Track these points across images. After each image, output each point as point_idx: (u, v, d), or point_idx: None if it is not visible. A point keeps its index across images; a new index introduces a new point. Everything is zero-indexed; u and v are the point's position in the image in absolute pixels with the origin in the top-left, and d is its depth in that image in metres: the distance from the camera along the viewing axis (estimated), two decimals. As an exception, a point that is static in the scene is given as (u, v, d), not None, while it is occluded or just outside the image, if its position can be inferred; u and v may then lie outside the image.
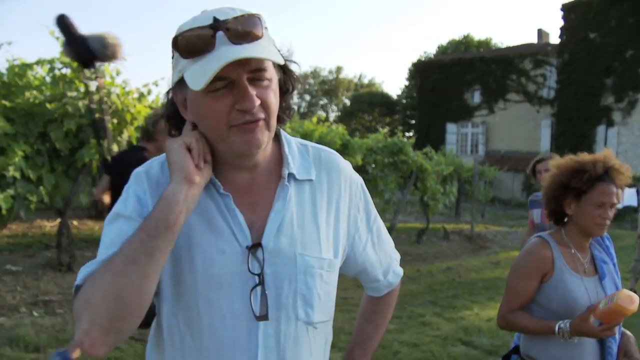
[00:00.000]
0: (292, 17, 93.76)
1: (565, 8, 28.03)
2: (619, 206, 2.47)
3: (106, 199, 4.65)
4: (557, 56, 28.98)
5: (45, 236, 9.10)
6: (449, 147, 27.23)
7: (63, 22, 4.75)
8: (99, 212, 6.11)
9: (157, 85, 7.27)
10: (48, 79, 6.25)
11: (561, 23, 28.29)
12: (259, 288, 1.14)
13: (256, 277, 1.14)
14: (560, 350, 2.12)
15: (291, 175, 1.21)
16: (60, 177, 6.31)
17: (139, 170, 1.20)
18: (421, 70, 36.98)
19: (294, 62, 1.19)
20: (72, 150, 6.26)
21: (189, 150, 1.09)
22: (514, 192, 26.29)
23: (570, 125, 27.12)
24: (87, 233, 9.66)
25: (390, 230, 11.56)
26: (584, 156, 2.22)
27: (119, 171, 4.25)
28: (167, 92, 1.18)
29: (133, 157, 4.27)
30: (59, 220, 6.95)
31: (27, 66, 6.04)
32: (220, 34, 1.04)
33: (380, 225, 1.42)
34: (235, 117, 1.07)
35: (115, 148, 6.48)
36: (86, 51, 4.79)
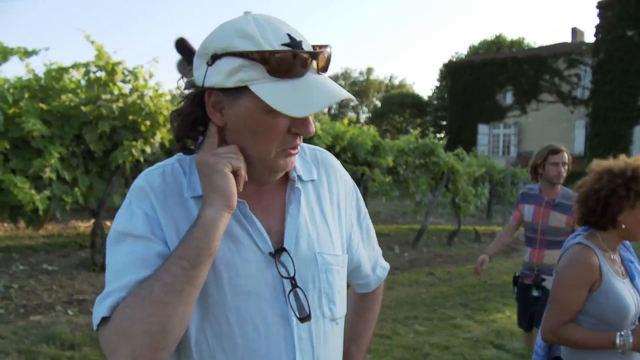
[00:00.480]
0: (323, 17, 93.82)
1: (601, 5, 27.50)
2: None
3: None
4: (592, 55, 28.45)
5: (79, 236, 9.29)
6: (481, 148, 26.97)
7: (183, 45, 4.73)
8: None
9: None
10: (83, 82, 6.37)
11: (597, 21, 27.77)
12: (291, 292, 1.14)
13: (288, 281, 1.13)
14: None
15: (299, 177, 1.21)
16: (95, 179, 6.43)
17: (140, 185, 1.13)
18: (452, 71, 36.69)
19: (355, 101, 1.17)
20: (105, 152, 6.38)
21: (234, 174, 1.06)
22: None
23: (606, 126, 26.57)
24: (121, 233, 9.82)
25: (421, 232, 11.51)
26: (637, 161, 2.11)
27: None
28: (200, 93, 1.09)
29: None
30: (93, 220, 7.08)
31: (63, 70, 6.17)
32: (313, 63, 1.06)
33: (369, 221, 1.43)
34: (287, 140, 1.08)
35: (148, 150, 6.59)
36: None
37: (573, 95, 30.50)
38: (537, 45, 42.49)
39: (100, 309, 1.01)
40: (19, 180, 5.38)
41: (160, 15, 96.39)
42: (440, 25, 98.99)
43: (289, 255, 1.14)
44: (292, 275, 1.13)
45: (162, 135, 6.79)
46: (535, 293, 3.94)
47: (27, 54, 5.87)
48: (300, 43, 1.04)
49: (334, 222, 1.27)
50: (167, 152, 8.77)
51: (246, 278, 1.11)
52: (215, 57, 1.04)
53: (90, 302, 5.76)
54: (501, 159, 25.93)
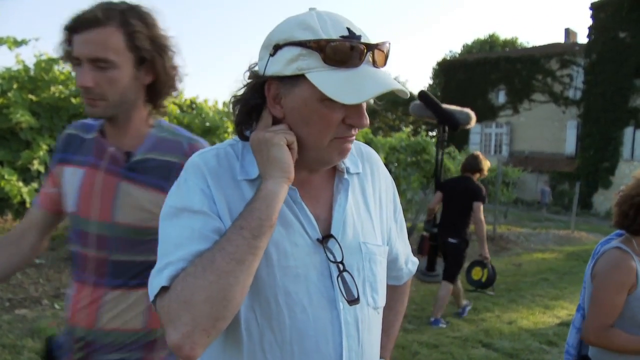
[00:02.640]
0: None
1: (594, 7, 27.56)
2: None
3: (436, 209, 6.56)
4: (584, 56, 28.53)
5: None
6: (473, 147, 27.06)
7: (427, 98, 7.20)
8: (429, 221, 6.80)
9: (180, 81, 7.32)
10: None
11: (590, 22, 27.84)
12: (339, 276, 1.18)
13: (335, 267, 1.17)
14: None
15: (347, 169, 1.26)
16: (84, 172, 6.36)
17: (196, 162, 1.16)
18: (445, 70, 36.72)
19: (407, 97, 1.21)
20: (95, 144, 6.31)
21: (289, 147, 1.11)
22: (537, 194, 26.01)
23: (597, 127, 26.67)
24: (110, 227, 9.77)
25: (412, 229, 11.49)
26: None
27: (448, 191, 6.24)
28: (258, 80, 1.15)
29: (461, 183, 6.18)
30: (82, 214, 7.01)
31: (53, 61, 6.10)
32: (369, 54, 1.09)
33: (402, 217, 1.49)
34: (341, 129, 1.12)
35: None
36: (455, 121, 7.16)
37: (565, 96, 30.59)
38: (530, 45, 42.61)
39: (158, 279, 1.03)
40: (7, 172, 5.31)
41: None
42: (433, 23, 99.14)
43: (337, 241, 1.19)
44: (340, 259, 1.18)
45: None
46: None
47: (16, 43, 5.79)
48: (359, 37, 1.08)
49: (376, 215, 1.33)
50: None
51: (295, 260, 1.15)
52: (277, 47, 1.09)
53: (77, 296, 5.72)
54: (493, 158, 25.96)
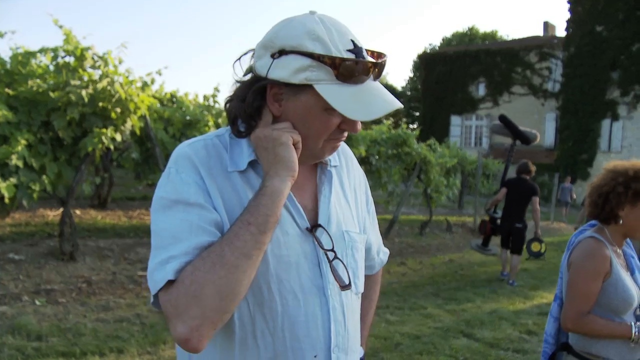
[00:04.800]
0: (292, 6, 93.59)
1: (572, 0, 27.84)
2: None
3: (499, 201, 8.66)
4: (563, 49, 28.83)
5: (48, 225, 9.12)
6: (453, 139, 27.17)
7: (506, 120, 9.61)
8: (490, 209, 9.19)
9: (160, 74, 7.27)
10: (51, 68, 6.23)
11: (568, 16, 28.12)
12: (332, 263, 1.22)
13: (323, 254, 1.22)
14: (624, 348, 2.18)
15: (329, 162, 1.33)
16: (63, 166, 6.30)
17: (186, 154, 1.17)
18: (426, 62, 36.84)
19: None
20: (75, 139, 6.25)
21: (294, 146, 1.16)
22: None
23: (575, 119, 27.00)
24: (90, 222, 9.68)
25: (393, 222, 11.56)
26: None
27: (511, 189, 8.27)
28: (260, 85, 1.16)
29: (521, 183, 8.24)
30: (61, 209, 6.95)
31: (30, 54, 6.03)
32: (374, 71, 1.16)
33: (374, 208, 1.55)
34: (335, 133, 1.19)
35: (118, 137, 6.48)
36: (526, 137, 9.58)
37: (544, 88, 30.89)
38: (509, 38, 42.92)
39: (162, 273, 1.03)
40: (-16, 167, 5.25)
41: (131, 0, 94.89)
42: (413, 16, 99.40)
43: (326, 230, 1.24)
44: (331, 247, 1.22)
45: (133, 122, 6.68)
46: None
47: (-9, 36, 5.72)
48: (362, 50, 1.15)
49: (353, 205, 1.40)
50: (138, 140, 8.66)
51: (288, 249, 1.19)
52: (282, 52, 1.12)
53: (58, 291, 5.67)
54: (473, 150, 26.13)
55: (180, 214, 1.09)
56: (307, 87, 1.11)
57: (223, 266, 1.01)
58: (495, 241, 9.66)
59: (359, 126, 1.19)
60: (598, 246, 2.22)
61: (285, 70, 1.11)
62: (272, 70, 1.13)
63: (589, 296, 2.19)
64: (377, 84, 1.17)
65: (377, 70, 1.16)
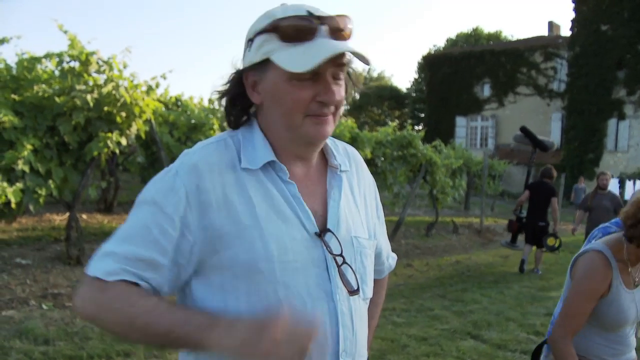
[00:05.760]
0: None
1: (576, 0, 27.77)
2: None
3: (523, 202, 9.76)
4: (568, 49, 28.76)
5: (54, 230, 9.14)
6: (459, 140, 27.15)
7: (527, 130, 10.88)
8: (516, 209, 10.13)
9: (165, 78, 7.27)
10: (57, 73, 6.25)
11: (572, 15, 28.05)
12: (340, 268, 1.21)
13: (332, 259, 1.20)
14: (604, 349, 2.20)
15: (339, 166, 1.32)
16: (69, 171, 6.32)
17: (194, 162, 1.16)
18: (430, 64, 36.82)
19: (369, 64, 1.21)
20: (80, 143, 6.27)
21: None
22: (523, 186, 26.20)
23: (581, 119, 26.92)
24: (96, 226, 9.70)
25: (399, 223, 11.54)
26: None
27: (533, 191, 9.35)
28: (237, 72, 1.21)
29: (543, 186, 9.27)
30: (68, 213, 6.96)
31: (35, 60, 6.05)
32: (323, 27, 1.13)
33: (383, 214, 1.55)
34: (313, 107, 1.15)
35: (124, 142, 6.49)
36: (545, 146, 10.75)
37: (549, 88, 30.82)
38: (514, 39, 42.83)
39: (99, 265, 1.11)
40: (-9, 172, 5.27)
41: (134, 4, 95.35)
42: (417, 17, 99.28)
43: (334, 235, 1.22)
44: (339, 252, 1.21)
45: (138, 126, 6.69)
46: None
47: (-3, 42, 5.74)
48: (329, 18, 1.14)
49: (363, 210, 1.38)
50: (144, 144, 8.68)
51: (295, 254, 1.17)
52: (250, 41, 1.17)
53: (65, 296, 5.68)
54: (479, 151, 26.09)
55: (148, 217, 1.13)
56: (269, 63, 1.13)
57: (129, 326, 1.08)
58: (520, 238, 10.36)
59: (335, 95, 1.15)
60: (601, 264, 2.14)
61: (251, 54, 1.16)
62: (245, 60, 1.19)
63: (581, 316, 2.15)
64: (333, 40, 1.13)
65: (332, 28, 1.13)
